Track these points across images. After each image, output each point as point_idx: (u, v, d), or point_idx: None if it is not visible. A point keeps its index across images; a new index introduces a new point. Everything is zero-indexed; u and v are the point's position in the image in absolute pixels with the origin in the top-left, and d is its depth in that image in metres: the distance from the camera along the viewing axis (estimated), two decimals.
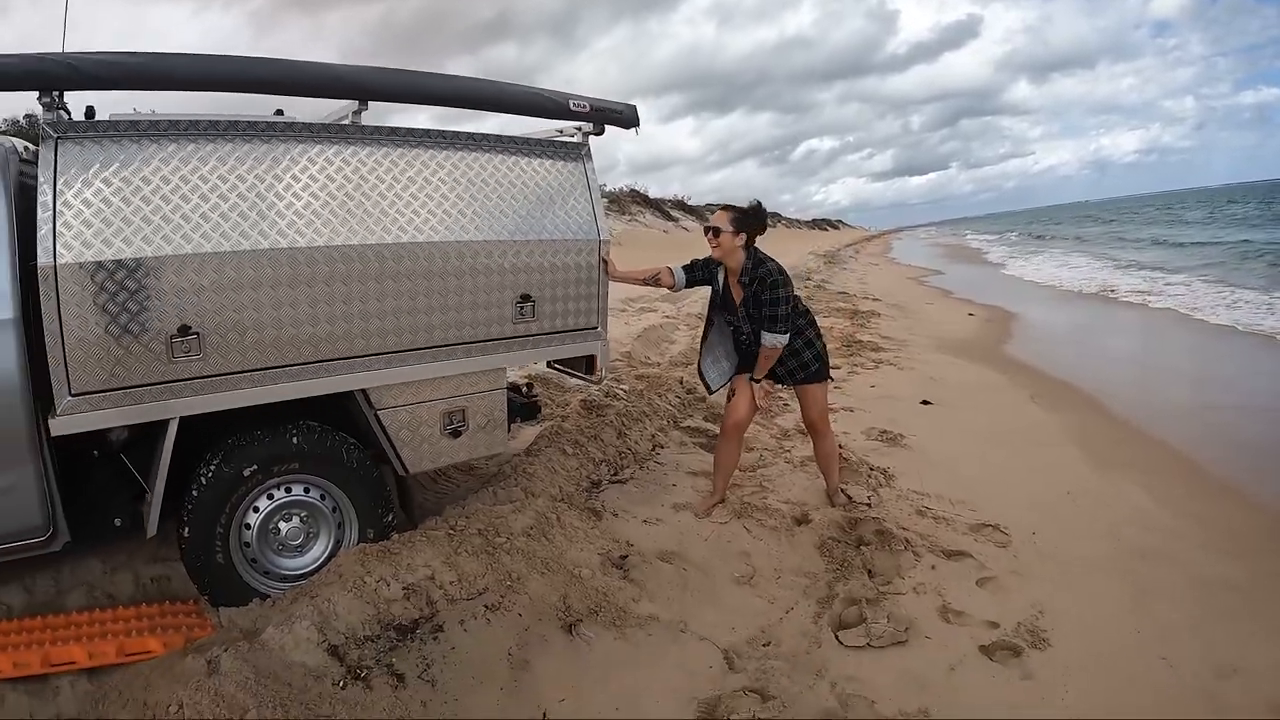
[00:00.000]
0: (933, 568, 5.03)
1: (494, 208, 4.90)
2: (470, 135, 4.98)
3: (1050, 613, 4.55)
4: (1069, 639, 4.32)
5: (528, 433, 6.58)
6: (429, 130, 4.83)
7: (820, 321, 10.01)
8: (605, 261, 5.38)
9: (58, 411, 3.80)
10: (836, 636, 4.30)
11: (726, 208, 5.45)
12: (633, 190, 49.95)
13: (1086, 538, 5.56)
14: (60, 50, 4.07)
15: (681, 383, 8.46)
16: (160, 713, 3.16)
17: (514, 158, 5.08)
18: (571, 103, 5.18)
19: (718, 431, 7.07)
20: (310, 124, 4.53)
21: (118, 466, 4.45)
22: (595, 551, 4.82)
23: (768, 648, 4.20)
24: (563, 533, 4.91)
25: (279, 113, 4.79)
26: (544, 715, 3.59)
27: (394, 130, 4.70)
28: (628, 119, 5.49)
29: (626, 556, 4.85)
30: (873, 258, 45.72)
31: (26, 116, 21.14)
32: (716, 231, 5.35)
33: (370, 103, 4.57)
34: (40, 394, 3.90)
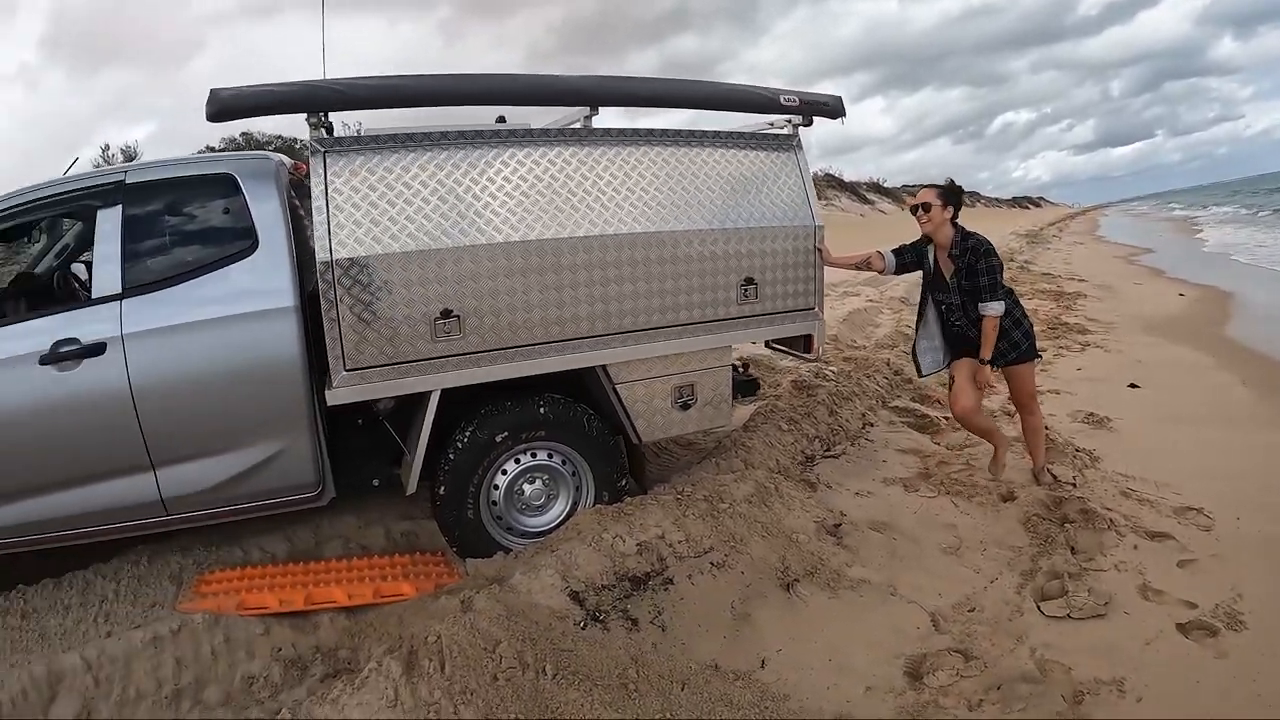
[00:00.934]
0: (1135, 547, 5.03)
1: (718, 198, 5.22)
2: (693, 132, 5.32)
3: (1249, 597, 4.48)
4: (1266, 624, 4.26)
5: (743, 410, 6.81)
6: (656, 130, 5.20)
7: (1025, 303, 10.07)
8: (819, 250, 5.61)
9: (333, 385, 4.41)
10: (1038, 606, 4.41)
11: (930, 186, 5.60)
12: (827, 175, 49.11)
13: None
14: (323, 77, 4.67)
15: (889, 364, 8.56)
16: (417, 644, 3.59)
17: (733, 151, 5.38)
18: (782, 97, 5.44)
19: (924, 412, 7.24)
20: (548, 129, 5.01)
21: (377, 433, 5.02)
22: (811, 519, 5.07)
23: (972, 613, 4.35)
24: (781, 501, 5.15)
25: (501, 119, 5.23)
26: (762, 662, 3.91)
27: (622, 131, 5.10)
28: (834, 110, 5.71)
29: (840, 525, 5.09)
30: (1077, 236, 43.92)
31: (242, 134, 22.55)
32: (926, 207, 5.49)
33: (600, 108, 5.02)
34: (316, 369, 4.55)
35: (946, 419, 7.10)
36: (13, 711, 3.80)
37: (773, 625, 4.19)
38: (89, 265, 5.68)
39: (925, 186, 5.65)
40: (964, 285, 5.52)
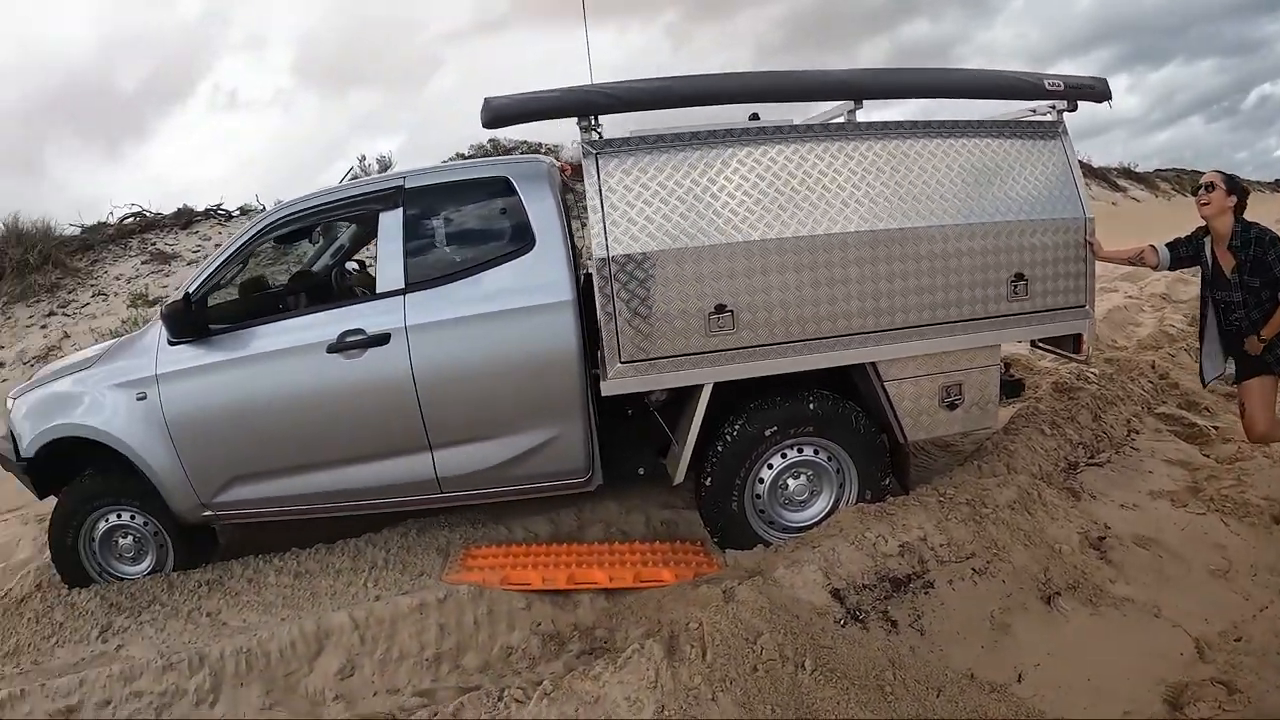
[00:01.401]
0: None
1: (986, 190, 5.15)
2: (957, 123, 5.26)
3: None
4: None
5: (1003, 412, 6.72)
6: (921, 121, 5.18)
7: None
8: (1090, 242, 5.41)
9: (609, 376, 4.64)
10: None
11: (1217, 170, 5.34)
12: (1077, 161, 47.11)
13: None
14: (590, 83, 4.98)
15: (1153, 367, 8.12)
16: (679, 629, 3.77)
17: (999, 140, 5.29)
18: (1047, 82, 5.29)
19: (1193, 420, 6.91)
20: (813, 125, 5.11)
21: (645, 424, 5.26)
22: (1074, 530, 4.95)
23: (1238, 643, 4.14)
24: (1044, 509, 5.06)
25: (754, 117, 5.33)
26: (1020, 676, 3.86)
27: (887, 124, 5.11)
28: (1100, 93, 5.49)
29: (1104, 538, 4.95)
30: None
31: (490, 141, 23.48)
32: (1210, 187, 5.24)
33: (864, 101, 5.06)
34: (589, 359, 4.81)
35: (1216, 429, 6.77)
36: (280, 661, 4.29)
37: (1032, 638, 4.13)
38: (361, 264, 6.53)
39: (1213, 171, 5.38)
40: (1247, 281, 5.22)
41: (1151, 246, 5.62)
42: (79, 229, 18.75)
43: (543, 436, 4.92)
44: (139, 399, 5.07)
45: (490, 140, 23.89)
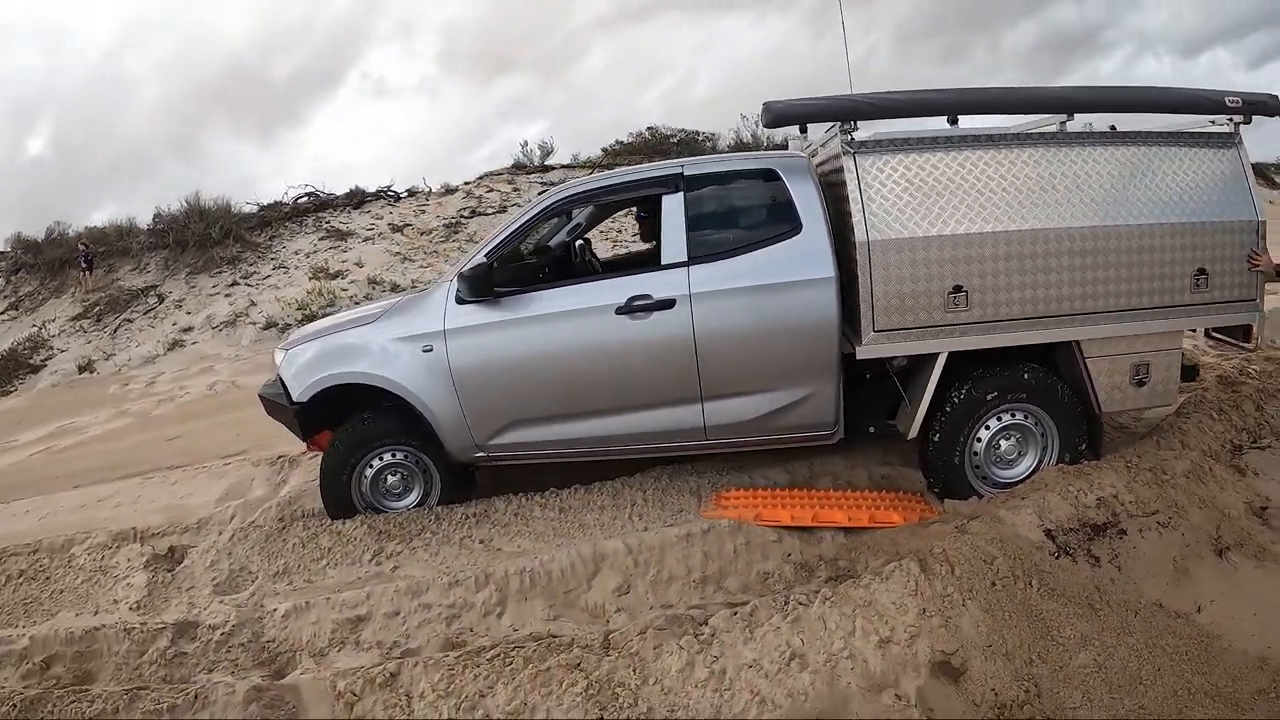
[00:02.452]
0: None
1: (1174, 194, 5.83)
2: (1149, 133, 5.96)
3: None
4: None
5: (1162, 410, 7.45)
6: (1119, 132, 5.95)
7: None
8: (1256, 255, 5.96)
9: (863, 343, 5.51)
10: None
11: None
12: None
13: None
14: (850, 92, 5.87)
15: None
16: (924, 553, 4.60)
17: (1183, 149, 5.95)
18: (1227, 99, 5.90)
19: None
20: (1031, 133, 5.85)
21: (879, 387, 6.11)
22: (1240, 499, 5.63)
23: None
24: (1214, 480, 5.74)
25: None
26: (1199, 608, 4.63)
27: (1092, 134, 5.89)
28: (1274, 108, 6.06)
29: (1266, 508, 5.62)
30: None
31: (649, 128, 24.63)
32: None
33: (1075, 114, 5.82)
34: (844, 328, 5.65)
35: None
36: (561, 579, 4.99)
37: (1207, 580, 4.88)
38: (587, 243, 7.27)
39: None
40: None
41: None
42: (256, 207, 20.06)
43: (801, 393, 5.71)
44: (425, 351, 5.78)
45: (648, 128, 24.86)
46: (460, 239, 19.94)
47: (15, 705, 4.08)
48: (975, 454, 5.90)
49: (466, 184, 22.81)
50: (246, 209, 19.97)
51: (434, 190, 22.28)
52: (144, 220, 19.85)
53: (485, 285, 5.70)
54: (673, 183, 5.85)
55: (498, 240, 5.95)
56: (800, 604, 4.37)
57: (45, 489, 8.12)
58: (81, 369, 15.96)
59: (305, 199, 20.71)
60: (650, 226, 7.34)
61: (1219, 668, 4.18)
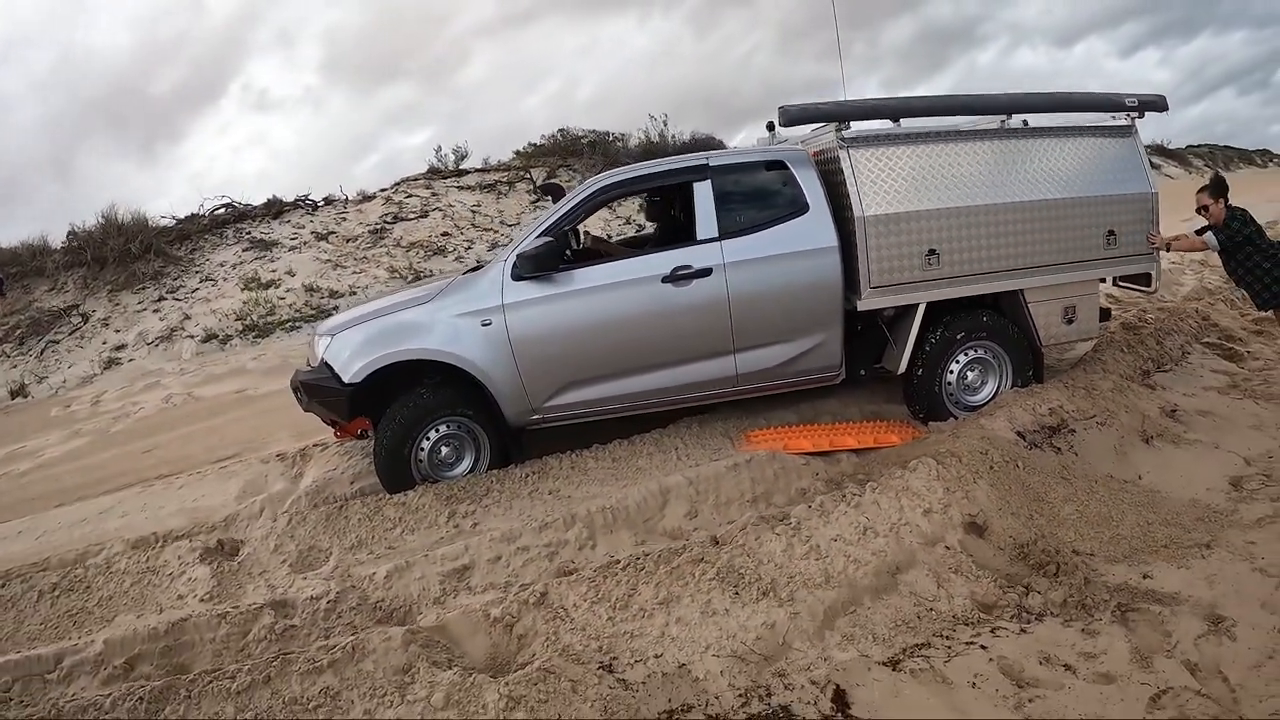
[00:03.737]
0: None
1: (1089, 173, 7.31)
2: (1071, 128, 7.45)
3: None
4: None
5: (1088, 344, 8.74)
6: (1049, 126, 7.40)
7: None
8: (1152, 239, 7.53)
9: (862, 298, 6.84)
10: None
11: (1202, 189, 7.51)
12: None
13: None
14: (844, 99, 7.27)
15: (1197, 312, 10.08)
16: (933, 453, 5.88)
17: (1096, 139, 7.46)
18: (1126, 100, 7.45)
19: (1231, 346, 9.02)
20: (980, 129, 7.32)
21: (868, 337, 7.39)
22: (1155, 406, 7.14)
23: (1271, 459, 6.34)
24: (1133, 394, 7.22)
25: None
26: (1139, 476, 6.15)
27: (1026, 129, 7.34)
28: (1160, 105, 7.63)
29: (1175, 410, 7.14)
30: None
31: (560, 130, 25.72)
32: (1206, 207, 7.47)
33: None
34: (847, 287, 6.92)
35: (1249, 352, 8.84)
36: (638, 511, 5.77)
37: (1142, 459, 6.37)
38: (582, 231, 8.17)
39: (1199, 191, 7.58)
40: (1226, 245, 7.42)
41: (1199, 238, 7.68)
42: (173, 220, 20.06)
43: (814, 341, 6.88)
44: (484, 325, 6.35)
45: (560, 130, 25.77)
46: (388, 244, 20.20)
47: (142, 699, 4.03)
48: (949, 383, 7.34)
49: (384, 190, 23.10)
50: (164, 222, 19.85)
51: (351, 198, 22.62)
52: (57, 238, 19.67)
53: (550, 261, 6.44)
54: (701, 172, 6.85)
55: (550, 222, 6.68)
56: (855, 495, 5.42)
57: (23, 511, 7.92)
58: (14, 393, 15.59)
59: (223, 210, 20.57)
60: (659, 210, 8.54)
61: (1165, 508, 5.63)
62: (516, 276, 6.48)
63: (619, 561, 4.96)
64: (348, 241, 20.45)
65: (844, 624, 4.42)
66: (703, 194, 6.82)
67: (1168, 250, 7.63)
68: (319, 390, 6.57)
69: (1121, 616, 4.46)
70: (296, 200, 21.68)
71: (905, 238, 6.85)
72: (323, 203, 22.12)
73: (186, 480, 8.00)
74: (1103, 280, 7.79)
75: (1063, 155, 7.27)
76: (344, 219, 21.52)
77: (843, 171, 6.80)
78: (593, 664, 4.12)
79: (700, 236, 6.74)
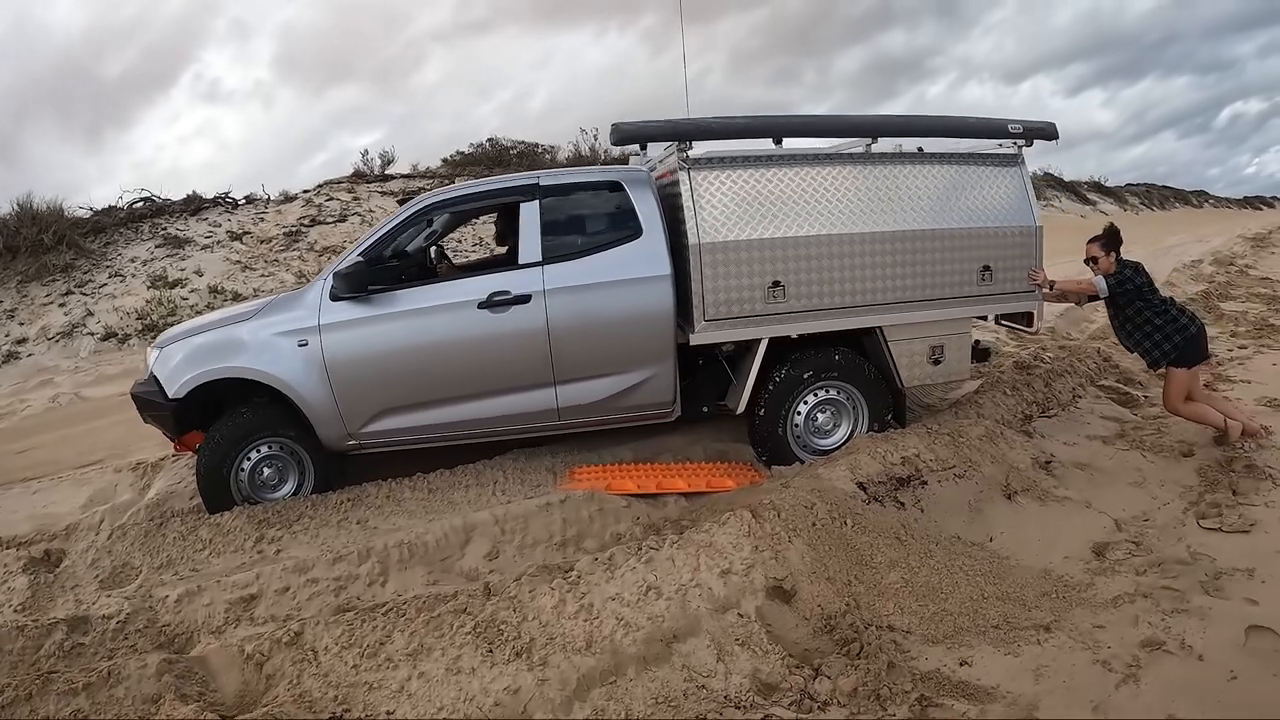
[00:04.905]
0: None
1: (965, 204, 6.83)
2: (947, 154, 6.97)
3: None
4: None
5: (974, 383, 8.38)
6: (921, 152, 6.93)
7: (1233, 307, 10.73)
8: (1034, 271, 7.07)
9: (695, 330, 6.32)
10: (1198, 521, 5.70)
11: (1093, 240, 6.96)
12: (1046, 174, 46.65)
13: None
14: (688, 116, 6.73)
15: (1099, 352, 9.65)
16: (755, 505, 5.33)
17: (975, 167, 6.97)
18: (1009, 126, 7.00)
19: (1128, 390, 8.49)
20: (839, 153, 6.79)
21: (711, 372, 6.97)
22: (1028, 455, 6.64)
23: (1146, 522, 5.73)
24: (1005, 442, 6.73)
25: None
26: (990, 538, 5.57)
27: (894, 154, 6.86)
28: (1049, 133, 7.18)
29: (1050, 461, 6.63)
30: None
31: (489, 140, 25.28)
32: (1096, 260, 6.90)
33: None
34: (679, 319, 6.43)
35: (1146, 397, 8.34)
36: (437, 548, 5.50)
37: (998, 518, 5.82)
38: (441, 249, 7.98)
39: (1090, 241, 7.01)
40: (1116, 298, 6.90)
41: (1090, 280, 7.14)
42: (90, 211, 19.37)
43: (643, 375, 6.50)
44: (300, 345, 6.16)
45: (488, 139, 25.32)
46: (301, 247, 19.84)
47: None
48: (796, 426, 6.81)
49: (306, 192, 22.63)
50: (80, 214, 19.09)
51: (273, 198, 22.10)
52: None
53: (360, 282, 6.17)
54: (530, 192, 6.54)
55: (370, 242, 6.44)
56: (652, 549, 5.00)
57: None
58: None
59: (141, 204, 20.01)
60: (504, 231, 8.01)
61: (1009, 579, 5.05)
62: (334, 297, 6.27)
63: (382, 605, 4.80)
64: (261, 243, 19.99)
65: (598, 696, 4.04)
66: (529, 215, 6.53)
67: (1050, 289, 7.12)
68: (147, 404, 6.45)
69: (920, 712, 3.94)
70: (216, 198, 21.25)
71: (745, 268, 6.37)
72: (243, 201, 21.70)
73: (44, 485, 7.99)
74: (985, 318, 7.40)
75: (936, 183, 6.81)
76: (262, 219, 21.09)
77: (681, 195, 6.35)
78: (324, 713, 3.99)
79: (522, 260, 6.45)
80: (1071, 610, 4.73)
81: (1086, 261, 7.03)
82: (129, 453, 8.74)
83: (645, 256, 6.43)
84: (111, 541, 6.15)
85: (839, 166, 6.64)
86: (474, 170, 24.24)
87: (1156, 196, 61.66)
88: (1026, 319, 7.35)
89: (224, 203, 21.36)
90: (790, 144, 6.69)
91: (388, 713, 3.97)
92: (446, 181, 23.30)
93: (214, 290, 17.72)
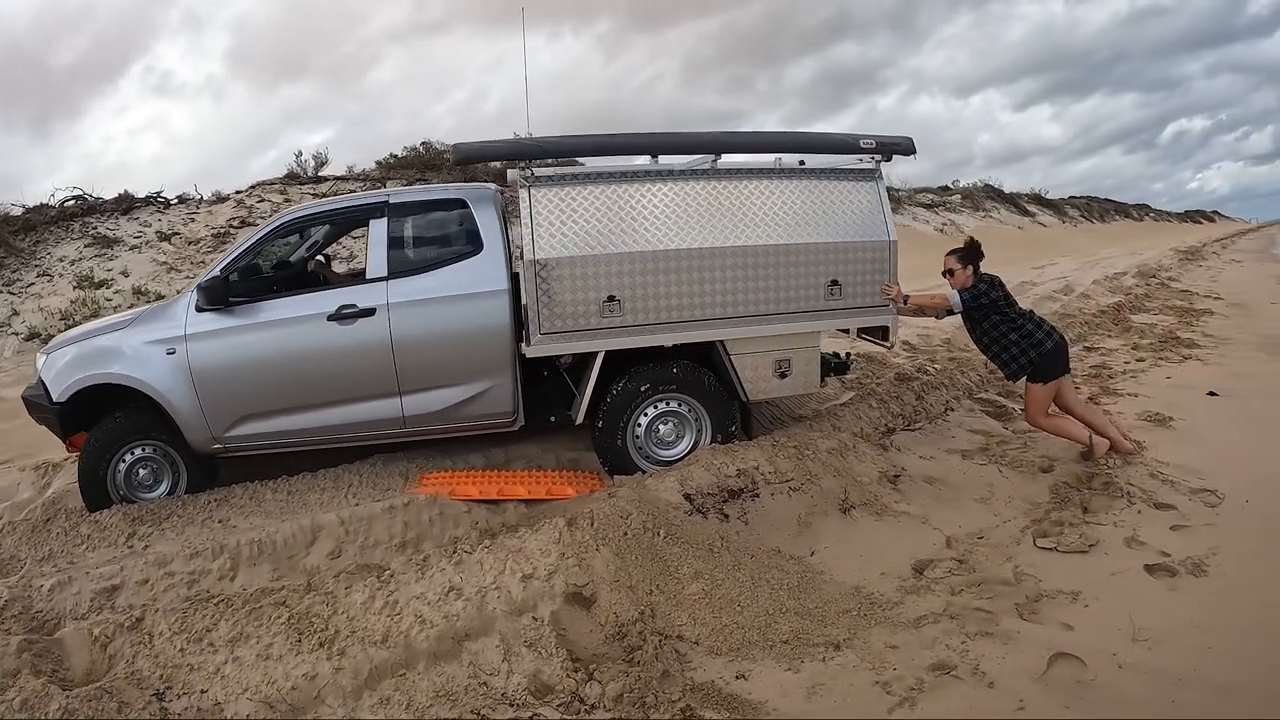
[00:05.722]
0: (1139, 512, 6.07)
1: (813, 218, 6.89)
2: (797, 169, 7.05)
3: (1223, 555, 5.35)
4: (1226, 574, 5.14)
5: (847, 394, 8.48)
6: (768, 168, 6.99)
7: (1147, 319, 11.21)
8: (887, 286, 7.10)
9: (531, 344, 6.42)
10: (1035, 541, 5.70)
11: (951, 252, 7.04)
12: (986, 185, 46.94)
13: None
14: (529, 135, 7.07)
15: (986, 365, 9.68)
16: (575, 513, 5.39)
17: (828, 182, 7.05)
18: (861, 141, 7.07)
19: (1004, 403, 8.61)
20: (684, 169, 6.87)
21: (557, 384, 7.07)
22: (876, 469, 6.70)
23: (980, 540, 5.79)
24: (855, 455, 6.80)
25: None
26: (812, 552, 5.63)
27: (740, 170, 6.91)
28: (906, 149, 7.25)
29: (898, 476, 6.69)
30: (1243, 254, 40.84)
31: (422, 143, 25.22)
32: (952, 272, 6.96)
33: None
34: (518, 332, 6.57)
35: (1022, 410, 8.15)
36: (284, 547, 5.65)
37: (827, 532, 5.87)
38: (328, 257, 8.22)
39: (948, 254, 7.09)
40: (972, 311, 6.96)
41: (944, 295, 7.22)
42: (22, 209, 19.22)
43: (483, 386, 6.65)
44: (169, 353, 6.41)
45: (423, 143, 25.23)
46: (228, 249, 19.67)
47: None
48: (637, 437, 6.87)
49: (239, 193, 22.52)
50: (13, 211, 19.02)
51: (205, 198, 21.94)
52: None
53: (219, 296, 6.42)
54: (379, 209, 6.78)
55: (232, 256, 6.69)
56: (465, 552, 5.14)
57: None
58: None
59: (73, 202, 19.87)
60: None
61: (815, 595, 5.10)
62: (199, 308, 6.51)
63: (215, 596, 4.99)
64: (190, 244, 19.83)
65: (387, 686, 4.27)
66: (377, 232, 6.78)
67: (905, 304, 7.17)
68: (35, 407, 6.78)
69: None
70: (149, 197, 20.96)
71: (580, 283, 6.46)
72: (175, 201, 21.38)
73: None
74: (845, 331, 7.51)
75: (785, 198, 6.89)
76: (193, 219, 20.93)
77: (520, 212, 6.50)
78: (149, 691, 4.22)
79: (370, 275, 6.70)
80: (870, 629, 4.77)
81: (944, 273, 7.09)
82: (38, 453, 8.77)
83: (484, 272, 6.64)
84: (2, 536, 6.47)
85: (680, 183, 6.74)
86: (407, 174, 24.23)
87: (1097, 209, 62.54)
88: (883, 333, 7.40)
89: (156, 202, 21.16)
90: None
91: (202, 691, 4.22)
92: (379, 184, 23.31)
93: (138, 292, 17.56)
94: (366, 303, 6.51)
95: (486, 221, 6.76)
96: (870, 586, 5.27)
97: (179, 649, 4.47)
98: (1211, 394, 9.46)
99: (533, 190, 6.44)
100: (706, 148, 6.79)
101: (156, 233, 19.97)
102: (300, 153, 25.29)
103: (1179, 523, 5.96)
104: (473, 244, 6.75)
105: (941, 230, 35.06)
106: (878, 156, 7.19)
